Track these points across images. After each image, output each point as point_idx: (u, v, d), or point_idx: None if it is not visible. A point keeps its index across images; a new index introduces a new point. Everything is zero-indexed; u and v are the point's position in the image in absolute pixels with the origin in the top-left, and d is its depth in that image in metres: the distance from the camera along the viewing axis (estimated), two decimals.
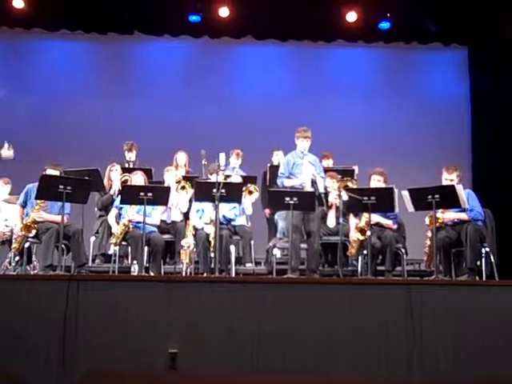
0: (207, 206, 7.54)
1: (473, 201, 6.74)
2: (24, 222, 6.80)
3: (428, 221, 6.77)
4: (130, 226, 7.23)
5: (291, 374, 5.26)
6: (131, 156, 8.94)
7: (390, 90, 11.27)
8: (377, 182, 7.23)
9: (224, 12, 10.31)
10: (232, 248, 7.45)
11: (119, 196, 7.32)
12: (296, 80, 11.41)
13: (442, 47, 11.07)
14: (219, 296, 5.45)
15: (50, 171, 6.99)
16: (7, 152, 7.45)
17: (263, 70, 11.32)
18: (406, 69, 11.40)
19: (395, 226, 7.15)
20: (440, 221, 6.66)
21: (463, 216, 6.68)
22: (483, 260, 6.64)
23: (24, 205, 7.00)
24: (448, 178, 6.81)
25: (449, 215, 6.74)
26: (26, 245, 6.88)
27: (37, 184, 6.54)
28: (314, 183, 7.14)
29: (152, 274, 7.04)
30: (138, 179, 7.49)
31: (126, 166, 8.79)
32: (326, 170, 7.84)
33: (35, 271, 7.00)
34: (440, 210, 6.59)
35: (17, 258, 6.98)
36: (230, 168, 8.64)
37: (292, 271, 6.77)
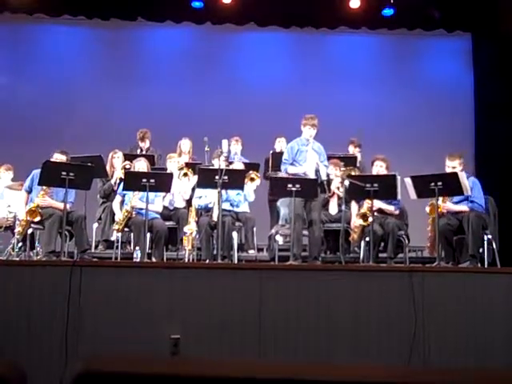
0: (210, 192, 7.54)
1: (476, 191, 6.70)
2: (28, 208, 6.82)
3: (428, 210, 6.79)
4: (133, 213, 7.25)
5: (292, 361, 5.28)
6: (144, 144, 8.93)
7: (393, 76, 11.24)
8: (379, 167, 7.25)
9: None
10: (234, 234, 7.48)
11: (122, 183, 7.34)
12: (299, 67, 11.38)
13: (446, 34, 11.01)
14: (221, 282, 5.46)
15: (56, 156, 7.01)
16: None
17: (266, 56, 11.29)
18: (409, 56, 11.37)
19: (397, 212, 7.16)
20: (440, 210, 6.65)
21: (464, 208, 6.67)
22: (485, 247, 6.64)
23: (29, 190, 7.02)
24: (450, 166, 6.79)
25: (449, 206, 6.73)
26: (29, 231, 6.91)
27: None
28: (316, 171, 7.14)
29: (154, 260, 7.06)
30: (140, 166, 7.51)
31: (139, 151, 8.80)
32: (329, 158, 7.82)
33: (38, 257, 7.01)
34: (441, 199, 6.58)
35: (20, 244, 7.00)
36: (232, 154, 8.64)
37: (294, 258, 6.79)
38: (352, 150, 8.91)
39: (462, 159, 6.90)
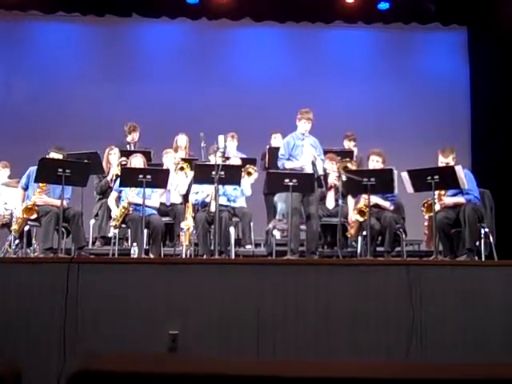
0: (206, 186, 7.52)
1: (470, 183, 6.70)
2: (25, 205, 6.81)
3: (425, 209, 6.81)
4: (130, 209, 7.24)
5: (290, 356, 5.29)
6: (134, 137, 8.92)
7: (389, 70, 11.22)
8: (375, 162, 7.24)
9: None
10: (231, 230, 7.46)
11: (118, 179, 7.33)
12: (295, 62, 11.36)
13: (442, 28, 11.00)
14: (219, 278, 5.46)
15: (53, 154, 7.00)
16: None
17: (262, 51, 11.27)
18: (405, 49, 11.36)
19: (392, 208, 7.16)
20: (438, 208, 6.65)
21: (460, 200, 6.67)
22: (482, 240, 6.64)
23: (25, 187, 7.00)
24: (444, 162, 6.78)
25: (446, 200, 6.73)
26: (26, 228, 6.90)
27: None
28: (313, 165, 7.15)
29: (152, 256, 7.06)
30: (137, 162, 7.49)
31: (128, 147, 8.79)
32: (325, 152, 7.83)
33: (35, 254, 7.01)
34: (436, 197, 6.57)
35: (17, 241, 7.00)
36: (229, 150, 8.62)
37: (291, 253, 6.79)
38: (347, 144, 8.91)
39: (455, 153, 6.90)
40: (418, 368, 1.34)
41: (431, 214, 6.53)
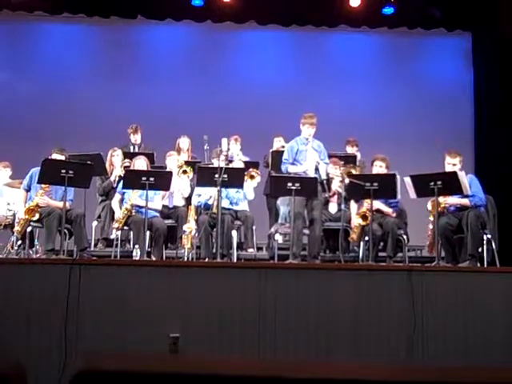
0: (209, 189, 7.52)
1: (475, 186, 6.69)
2: (27, 206, 6.82)
3: (430, 206, 6.78)
4: (133, 211, 7.25)
5: (291, 359, 5.28)
6: (137, 138, 8.95)
7: (392, 75, 11.22)
8: (379, 167, 7.25)
9: None
10: (234, 233, 7.47)
11: (121, 181, 7.34)
12: (298, 65, 11.37)
13: (446, 33, 11.00)
14: (221, 281, 5.46)
15: (55, 156, 7.01)
16: None
17: (266, 55, 11.28)
18: (409, 54, 11.35)
19: (394, 215, 7.16)
20: (442, 205, 6.65)
21: (465, 201, 6.67)
22: (484, 246, 6.63)
23: (28, 189, 7.01)
24: (451, 163, 6.77)
25: (451, 200, 6.73)
26: (29, 229, 6.90)
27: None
28: (316, 169, 7.14)
29: (154, 258, 7.06)
30: (140, 164, 7.50)
31: (132, 148, 8.81)
32: (329, 156, 7.81)
33: (37, 255, 7.01)
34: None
35: (19, 242, 7.00)
36: (231, 153, 8.61)
37: (293, 257, 6.79)
38: (349, 149, 8.89)
39: (462, 157, 6.89)
40: (419, 370, 1.34)
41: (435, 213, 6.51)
